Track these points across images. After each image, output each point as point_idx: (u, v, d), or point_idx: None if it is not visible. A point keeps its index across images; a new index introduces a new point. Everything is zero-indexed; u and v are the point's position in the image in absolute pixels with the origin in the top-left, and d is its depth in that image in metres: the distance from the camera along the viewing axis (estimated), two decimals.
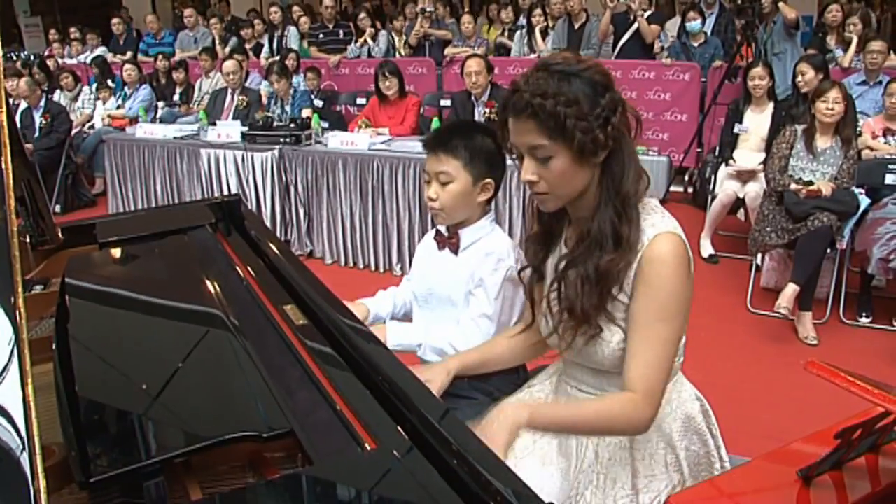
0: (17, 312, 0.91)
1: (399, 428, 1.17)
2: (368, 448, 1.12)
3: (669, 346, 1.46)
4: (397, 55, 7.80)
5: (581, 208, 1.51)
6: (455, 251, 2.01)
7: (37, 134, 6.83)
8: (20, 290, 0.93)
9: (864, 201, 4.14)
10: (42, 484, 0.81)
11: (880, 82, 5.20)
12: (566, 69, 1.40)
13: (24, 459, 0.82)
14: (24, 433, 0.84)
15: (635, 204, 1.45)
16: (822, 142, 4.20)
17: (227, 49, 8.40)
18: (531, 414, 1.45)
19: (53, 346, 1.42)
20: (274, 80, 6.26)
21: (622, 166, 1.44)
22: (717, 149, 5.39)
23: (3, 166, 1.02)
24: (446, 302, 2.03)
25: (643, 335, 1.45)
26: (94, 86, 8.10)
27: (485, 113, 5.18)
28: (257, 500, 1.06)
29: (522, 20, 7.81)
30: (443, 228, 2.05)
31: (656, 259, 1.43)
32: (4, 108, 1.09)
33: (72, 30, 10.52)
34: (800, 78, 4.89)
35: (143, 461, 1.05)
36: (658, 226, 1.45)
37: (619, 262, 1.43)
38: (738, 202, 4.95)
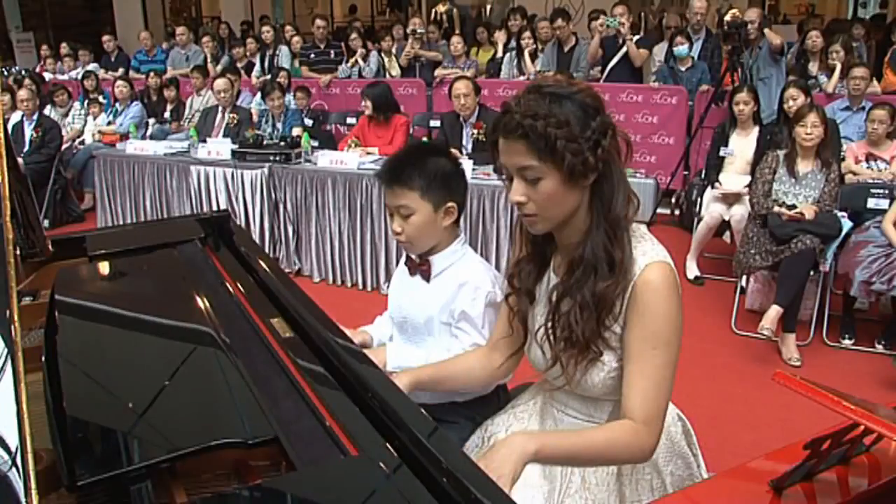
0: (13, 327, 0.92)
1: (385, 441, 1.20)
2: (352, 456, 1.14)
3: (666, 373, 1.45)
4: (387, 75, 7.86)
5: (569, 234, 1.51)
6: (427, 278, 1.97)
7: (27, 148, 6.82)
8: (14, 305, 0.95)
9: (847, 224, 4.20)
10: (35, 501, 0.81)
11: (863, 108, 5.29)
12: (558, 91, 1.40)
13: (13, 475, 0.83)
14: (13, 448, 0.84)
15: (626, 227, 1.45)
16: (804, 166, 4.26)
17: (219, 67, 8.44)
18: (540, 445, 1.41)
19: (43, 357, 1.43)
20: (275, 97, 6.29)
21: (612, 189, 1.44)
22: (704, 172, 5.45)
23: (1, 181, 1.04)
24: (421, 329, 1.99)
25: (639, 364, 1.44)
26: (85, 102, 8.12)
27: (473, 134, 5.23)
28: (244, 502, 1.08)
29: (512, 42, 7.89)
30: (413, 255, 2.00)
31: (648, 288, 1.43)
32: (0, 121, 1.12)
33: (63, 46, 10.56)
34: (791, 103, 4.91)
35: (129, 466, 1.07)
36: (649, 254, 1.46)
37: (616, 287, 1.43)
38: (724, 224, 5.00)
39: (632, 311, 1.44)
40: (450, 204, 1.90)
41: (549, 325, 1.54)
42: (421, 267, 1.97)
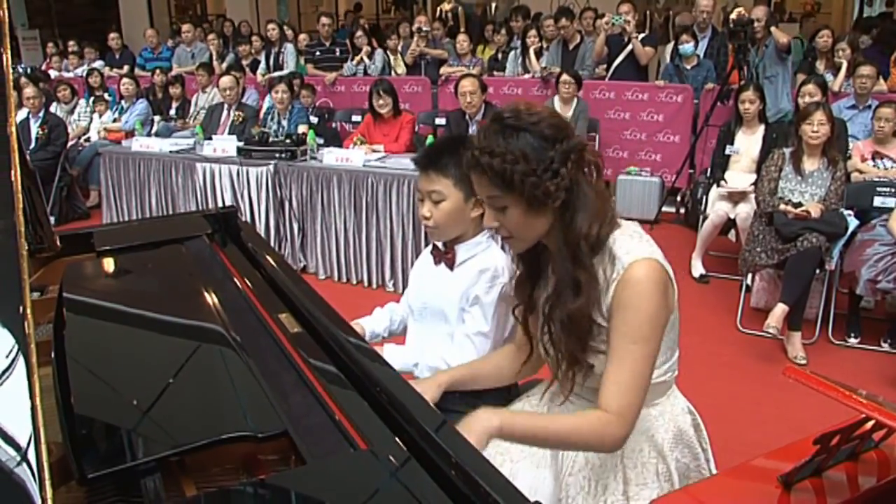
0: (26, 323, 0.93)
1: (394, 434, 1.20)
2: (361, 450, 1.15)
3: (643, 367, 1.48)
4: (393, 73, 7.86)
5: (554, 244, 1.55)
6: (451, 266, 2.03)
7: (33, 145, 6.84)
8: (28, 300, 0.95)
9: (853, 223, 4.19)
10: (49, 493, 0.82)
11: (869, 106, 5.28)
12: (516, 124, 1.45)
13: (22, 470, 0.83)
14: (23, 444, 0.84)
15: (588, 248, 1.48)
16: (810, 164, 4.26)
17: (224, 65, 8.45)
18: (503, 421, 1.45)
19: (52, 352, 1.44)
20: (280, 90, 6.29)
21: (574, 213, 1.48)
22: (709, 170, 5.44)
23: (13, 178, 1.05)
24: (439, 316, 2.05)
25: (617, 356, 1.48)
26: (91, 99, 8.13)
27: None
28: (254, 496, 1.08)
29: (517, 41, 7.89)
30: (439, 244, 2.07)
31: (630, 285, 1.46)
32: (13, 119, 1.12)
33: (70, 43, 10.58)
34: (808, 98, 4.88)
35: (139, 459, 1.07)
36: (633, 252, 1.49)
37: (586, 308, 1.48)
38: (729, 223, 4.99)
39: (614, 307, 1.48)
40: None
41: (546, 336, 1.60)
42: (446, 255, 2.04)
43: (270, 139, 5.57)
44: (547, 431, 1.51)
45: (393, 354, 2.01)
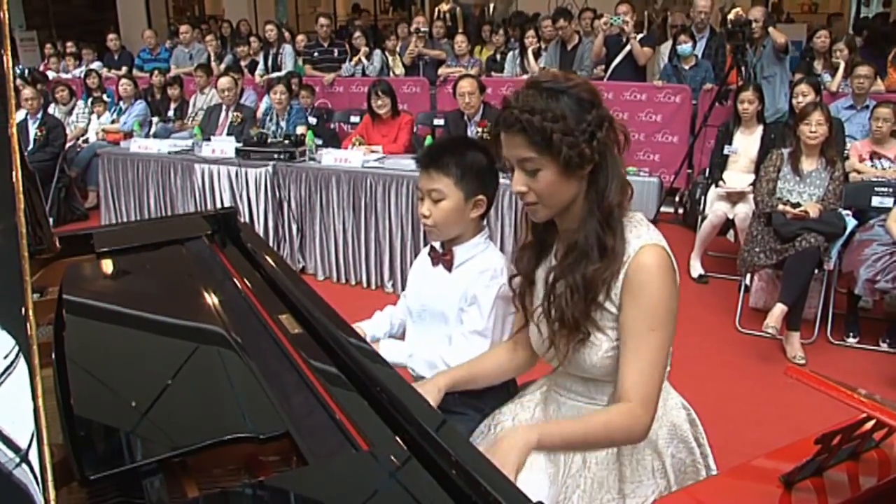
0: (28, 324, 0.93)
1: (394, 434, 1.20)
2: (363, 451, 1.15)
3: (661, 354, 1.49)
4: (391, 74, 7.86)
5: (569, 220, 1.56)
6: (449, 268, 2.02)
7: (31, 146, 6.83)
8: (30, 301, 0.95)
9: (851, 223, 4.20)
10: (52, 495, 0.82)
11: (867, 107, 5.29)
12: (554, 87, 1.47)
13: (21, 472, 0.83)
14: (23, 446, 0.84)
15: (619, 216, 1.51)
16: (808, 164, 4.27)
17: (223, 66, 8.46)
18: (540, 435, 1.48)
19: (52, 353, 1.44)
20: (279, 91, 6.31)
21: (606, 179, 1.50)
22: (707, 170, 5.45)
23: (14, 179, 1.04)
24: (439, 318, 2.04)
25: (635, 345, 1.49)
26: (90, 100, 8.13)
27: (477, 132, 5.23)
28: (256, 497, 1.08)
29: (515, 42, 7.91)
30: (437, 245, 2.06)
31: (642, 270, 1.48)
32: (14, 120, 1.12)
33: (68, 44, 10.58)
34: (801, 98, 4.89)
35: (141, 461, 1.07)
36: (643, 237, 1.51)
37: (605, 272, 1.49)
38: (728, 223, 5.00)
39: (627, 292, 1.49)
40: (480, 197, 1.96)
41: (545, 305, 1.60)
42: (444, 257, 2.03)
43: (269, 140, 5.58)
44: (581, 435, 1.53)
45: (387, 349, 2.02)
